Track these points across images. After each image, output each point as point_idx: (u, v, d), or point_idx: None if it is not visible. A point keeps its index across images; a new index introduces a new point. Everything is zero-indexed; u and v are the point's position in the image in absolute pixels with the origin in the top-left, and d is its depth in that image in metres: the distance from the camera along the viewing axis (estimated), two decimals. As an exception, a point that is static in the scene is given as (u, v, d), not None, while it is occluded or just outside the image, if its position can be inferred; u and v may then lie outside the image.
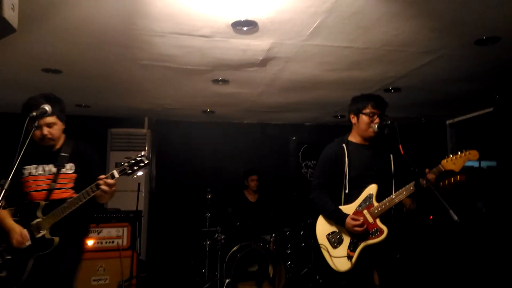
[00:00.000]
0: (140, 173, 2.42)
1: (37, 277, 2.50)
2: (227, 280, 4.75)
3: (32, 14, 2.69)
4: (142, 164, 2.51)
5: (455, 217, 2.28)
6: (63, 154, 2.65)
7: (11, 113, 5.67)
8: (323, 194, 2.97)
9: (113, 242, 4.77)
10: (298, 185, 6.91)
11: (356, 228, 2.74)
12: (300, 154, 7.27)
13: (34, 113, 2.30)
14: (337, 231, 2.92)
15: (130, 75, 4.18)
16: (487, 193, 5.29)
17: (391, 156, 2.91)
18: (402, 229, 3.21)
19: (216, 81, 4.37)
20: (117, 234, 4.76)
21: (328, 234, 2.96)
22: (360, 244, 2.79)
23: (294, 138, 7.26)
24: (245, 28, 2.96)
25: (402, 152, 2.59)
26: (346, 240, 2.86)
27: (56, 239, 2.51)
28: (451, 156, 2.61)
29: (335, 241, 2.91)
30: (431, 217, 4.94)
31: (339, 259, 2.84)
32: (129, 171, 2.51)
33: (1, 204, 1.88)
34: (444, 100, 5.24)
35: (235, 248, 4.95)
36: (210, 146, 6.81)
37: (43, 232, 2.50)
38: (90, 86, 4.60)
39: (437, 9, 2.70)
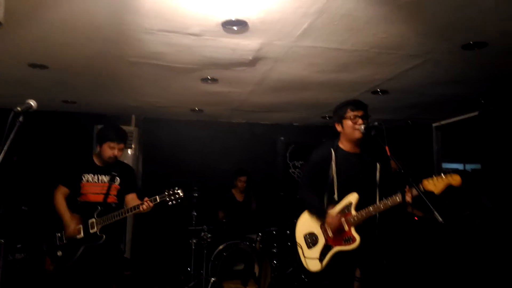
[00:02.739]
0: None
1: (84, 261, 3.30)
2: (213, 279, 4.75)
3: (19, 9, 2.65)
4: (179, 198, 3.31)
5: (440, 219, 2.35)
6: (114, 173, 3.47)
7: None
8: (310, 190, 3.05)
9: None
10: (285, 185, 6.92)
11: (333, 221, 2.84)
12: (288, 154, 7.28)
13: (19, 108, 2.27)
14: (314, 232, 3.01)
15: (117, 72, 4.14)
16: (472, 196, 5.34)
17: (378, 165, 2.94)
18: (388, 238, 3.26)
19: (205, 79, 4.36)
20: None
21: (306, 234, 3.06)
22: (332, 248, 2.88)
23: (282, 138, 7.27)
24: (235, 28, 2.96)
25: (388, 153, 2.61)
26: (321, 243, 2.96)
27: (104, 236, 3.32)
28: (434, 177, 2.63)
29: (310, 241, 3.02)
30: (416, 218, 4.98)
31: (311, 259, 2.96)
32: (167, 200, 3.30)
33: None
34: (431, 103, 5.30)
35: (221, 247, 4.95)
36: (198, 145, 6.77)
37: (95, 230, 3.31)
38: (77, 82, 4.55)
39: (425, 14, 2.73)
